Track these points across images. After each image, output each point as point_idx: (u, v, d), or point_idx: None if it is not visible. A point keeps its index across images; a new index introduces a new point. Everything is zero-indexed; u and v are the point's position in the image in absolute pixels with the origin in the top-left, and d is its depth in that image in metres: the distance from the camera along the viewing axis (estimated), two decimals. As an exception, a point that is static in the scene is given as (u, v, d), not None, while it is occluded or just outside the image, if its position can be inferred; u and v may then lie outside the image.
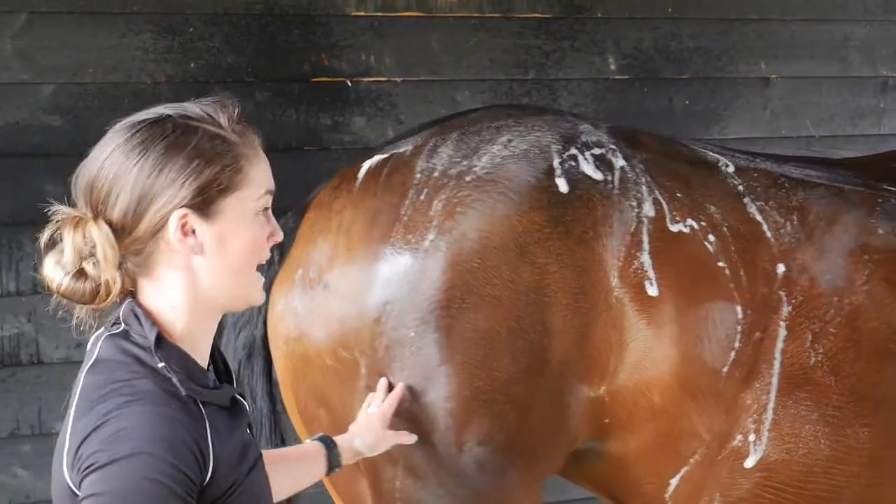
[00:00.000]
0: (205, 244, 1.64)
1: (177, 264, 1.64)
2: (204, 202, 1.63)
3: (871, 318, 2.41)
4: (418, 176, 2.31)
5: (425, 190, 2.29)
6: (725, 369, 2.34)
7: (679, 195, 2.39)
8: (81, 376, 1.62)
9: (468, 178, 2.28)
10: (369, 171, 2.39)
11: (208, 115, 1.67)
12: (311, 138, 3.35)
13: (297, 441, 2.43)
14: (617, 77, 3.68)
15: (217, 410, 1.65)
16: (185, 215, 1.61)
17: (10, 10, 3.05)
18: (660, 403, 2.32)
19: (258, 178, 1.68)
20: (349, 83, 3.39)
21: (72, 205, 1.64)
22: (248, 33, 3.28)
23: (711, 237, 2.37)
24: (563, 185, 2.31)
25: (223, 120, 1.68)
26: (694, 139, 3.70)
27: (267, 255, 1.74)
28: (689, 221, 2.37)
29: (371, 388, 2.26)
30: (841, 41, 3.92)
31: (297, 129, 3.34)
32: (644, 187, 2.37)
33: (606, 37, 3.65)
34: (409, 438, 2.25)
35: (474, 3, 3.49)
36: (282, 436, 2.59)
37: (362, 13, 3.38)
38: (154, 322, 1.63)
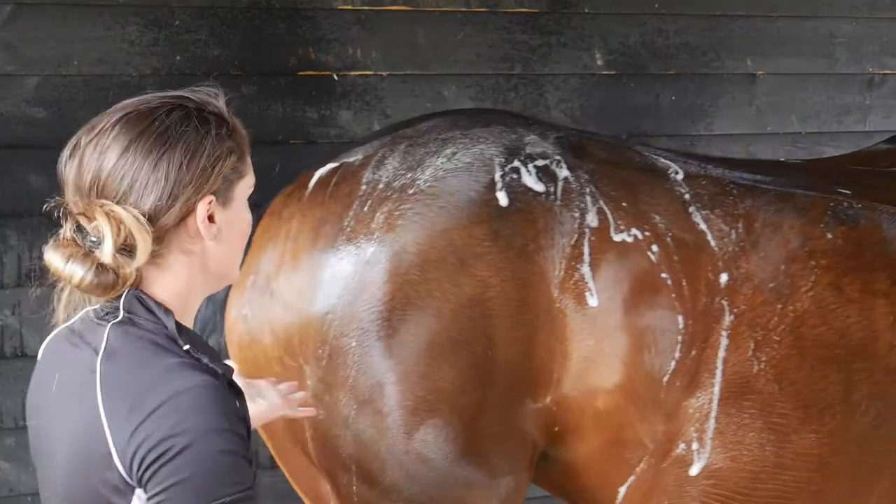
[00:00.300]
0: (223, 230, 1.66)
1: (189, 250, 1.64)
2: (225, 189, 1.65)
3: (816, 324, 2.42)
4: (363, 187, 2.34)
5: (369, 201, 2.31)
6: (666, 378, 2.35)
7: (624, 204, 2.40)
8: (97, 366, 1.57)
9: (411, 191, 2.30)
10: (319, 180, 2.41)
11: (212, 104, 1.67)
12: (297, 132, 3.35)
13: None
14: (603, 72, 3.68)
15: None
16: (211, 202, 1.62)
17: (-5, 1, 3.04)
18: (604, 412, 2.34)
19: (251, 166, 1.71)
20: (335, 77, 3.39)
21: (70, 195, 1.61)
22: (234, 26, 3.27)
23: (655, 247, 2.37)
24: (503, 199, 2.32)
25: (223, 108, 1.69)
26: (676, 135, 3.75)
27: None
28: (634, 231, 2.37)
29: (316, 395, 2.28)
30: (827, 38, 3.93)
31: (284, 122, 3.34)
32: (588, 197, 2.38)
33: (593, 32, 3.65)
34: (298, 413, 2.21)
35: (461, -3, 3.49)
36: None
37: (349, 7, 3.38)
38: (166, 309, 1.62)
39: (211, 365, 1.58)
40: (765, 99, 3.89)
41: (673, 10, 3.73)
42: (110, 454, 1.52)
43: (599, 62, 3.67)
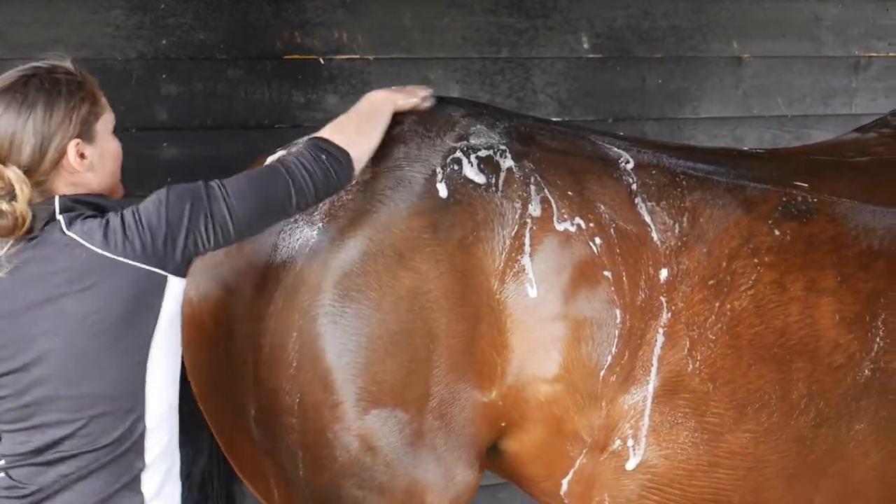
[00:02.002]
0: (94, 161, 2.18)
1: (74, 182, 2.16)
2: (86, 130, 2.16)
3: (754, 323, 2.40)
4: None
5: None
6: (602, 373, 2.35)
7: (570, 193, 2.38)
8: (80, 245, 2.07)
9: (353, 182, 2.30)
10: None
11: (60, 66, 2.18)
12: (283, 116, 3.34)
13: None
14: (590, 56, 3.68)
15: None
16: (77, 143, 2.14)
17: (-20, -15, 3.03)
18: (545, 402, 2.35)
19: (107, 105, 2.24)
20: (322, 61, 3.38)
21: None
22: (219, 10, 3.26)
23: (597, 238, 2.36)
24: (443, 191, 2.33)
25: (70, 66, 2.20)
26: (663, 118, 3.75)
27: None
28: (577, 220, 2.36)
29: (259, 382, 2.30)
30: (813, 20, 3.93)
31: (270, 106, 3.33)
32: (532, 187, 2.37)
33: (580, 15, 3.65)
34: None
35: (447, -20, 3.48)
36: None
37: (335, -10, 3.38)
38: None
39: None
40: (751, 82, 3.89)
41: (659, -8, 3.74)
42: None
43: (586, 45, 3.67)
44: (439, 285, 2.28)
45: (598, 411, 2.36)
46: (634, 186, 2.44)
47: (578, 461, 2.41)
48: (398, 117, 2.43)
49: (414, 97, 2.46)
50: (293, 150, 2.29)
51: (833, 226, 2.51)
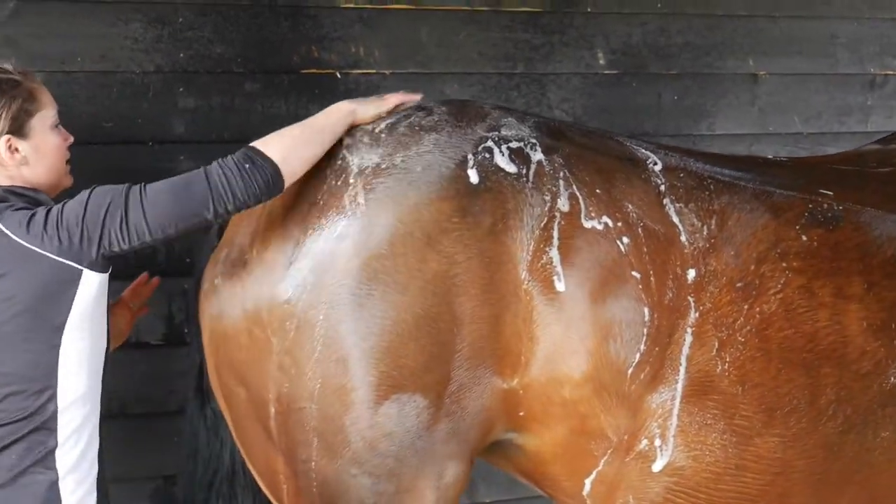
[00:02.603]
0: (28, 156, 2.41)
1: (8, 174, 2.40)
2: (18, 126, 2.39)
3: (783, 327, 2.39)
4: (339, 163, 2.37)
5: (343, 176, 2.34)
6: (630, 371, 2.35)
7: (598, 191, 2.39)
8: (3, 233, 2.28)
9: (384, 166, 2.32)
10: None
11: None
12: (300, 129, 3.34)
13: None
14: (606, 72, 3.68)
15: None
16: (8, 139, 2.39)
17: (-1, -3, 3.04)
18: (570, 400, 2.35)
19: (48, 101, 2.45)
20: (338, 75, 3.38)
21: None
22: (237, 24, 3.27)
23: (625, 237, 2.37)
24: (473, 176, 2.34)
25: (9, 66, 2.43)
26: (678, 135, 3.75)
27: (67, 154, 2.51)
28: (605, 219, 2.37)
29: (283, 367, 2.31)
30: (828, 38, 3.93)
31: (287, 120, 3.27)
32: (561, 182, 2.38)
33: (595, 31, 3.65)
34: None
35: (464, -4, 3.49)
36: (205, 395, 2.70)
37: (352, 5, 3.38)
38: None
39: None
40: (767, 99, 3.89)
41: (675, 9, 3.73)
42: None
43: (602, 61, 3.67)
44: (466, 269, 2.28)
45: (626, 410, 2.36)
46: (663, 188, 2.46)
47: (602, 461, 2.41)
48: (430, 107, 2.46)
49: (385, 105, 2.48)
50: (226, 158, 2.34)
51: (858, 234, 2.51)
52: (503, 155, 2.38)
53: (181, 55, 3.23)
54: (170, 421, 3.09)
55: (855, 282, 2.45)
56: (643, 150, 2.55)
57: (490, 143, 2.39)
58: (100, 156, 3.12)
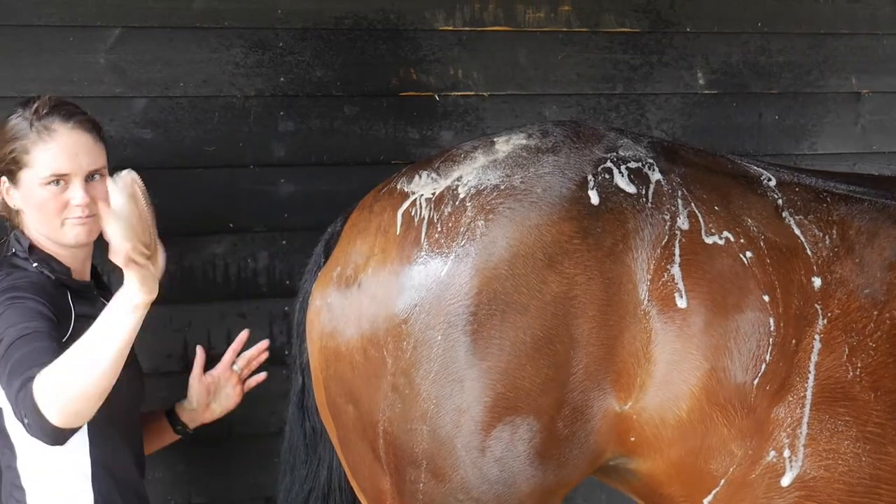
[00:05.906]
0: (18, 203, 2.50)
1: (25, 223, 2.51)
2: (9, 173, 2.47)
3: None
4: (456, 182, 2.37)
5: (462, 195, 2.34)
6: (756, 382, 2.32)
7: (717, 208, 2.40)
8: None
9: (503, 187, 2.32)
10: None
11: (12, 119, 2.48)
12: (399, 152, 3.34)
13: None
14: (705, 92, 3.64)
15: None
16: (3, 181, 2.49)
17: (104, 24, 3.07)
18: (688, 419, 2.32)
19: (43, 160, 2.43)
20: (437, 97, 3.38)
21: None
22: (336, 48, 3.28)
23: (748, 251, 2.36)
24: (594, 197, 2.34)
25: (28, 113, 2.46)
26: (780, 154, 3.68)
27: (72, 213, 2.44)
28: (725, 234, 2.37)
29: (396, 387, 2.30)
30: (934, 55, 3.85)
31: (386, 142, 3.33)
32: (680, 200, 2.38)
33: (695, 51, 3.62)
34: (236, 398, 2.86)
35: (562, 17, 3.47)
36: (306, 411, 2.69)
37: (450, 28, 3.38)
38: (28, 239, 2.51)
39: (44, 273, 2.47)
40: (870, 118, 3.81)
41: (776, 28, 3.68)
42: None
43: (701, 81, 3.63)
44: (586, 291, 2.27)
45: (752, 422, 2.32)
46: (780, 202, 2.46)
47: (724, 479, 2.37)
48: (546, 129, 2.46)
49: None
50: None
51: None
52: (623, 175, 2.39)
53: (281, 79, 3.24)
54: (272, 442, 3.08)
55: None
56: (755, 168, 2.57)
57: (609, 164, 2.40)
58: (203, 179, 3.15)
